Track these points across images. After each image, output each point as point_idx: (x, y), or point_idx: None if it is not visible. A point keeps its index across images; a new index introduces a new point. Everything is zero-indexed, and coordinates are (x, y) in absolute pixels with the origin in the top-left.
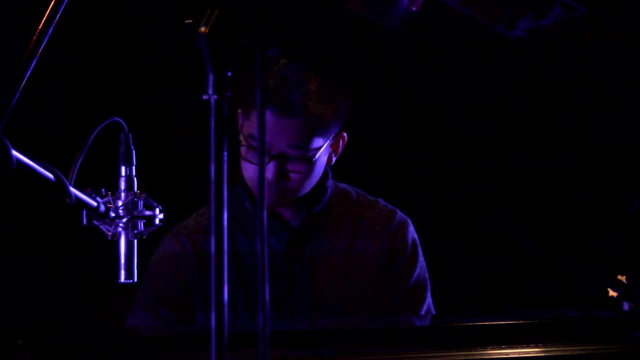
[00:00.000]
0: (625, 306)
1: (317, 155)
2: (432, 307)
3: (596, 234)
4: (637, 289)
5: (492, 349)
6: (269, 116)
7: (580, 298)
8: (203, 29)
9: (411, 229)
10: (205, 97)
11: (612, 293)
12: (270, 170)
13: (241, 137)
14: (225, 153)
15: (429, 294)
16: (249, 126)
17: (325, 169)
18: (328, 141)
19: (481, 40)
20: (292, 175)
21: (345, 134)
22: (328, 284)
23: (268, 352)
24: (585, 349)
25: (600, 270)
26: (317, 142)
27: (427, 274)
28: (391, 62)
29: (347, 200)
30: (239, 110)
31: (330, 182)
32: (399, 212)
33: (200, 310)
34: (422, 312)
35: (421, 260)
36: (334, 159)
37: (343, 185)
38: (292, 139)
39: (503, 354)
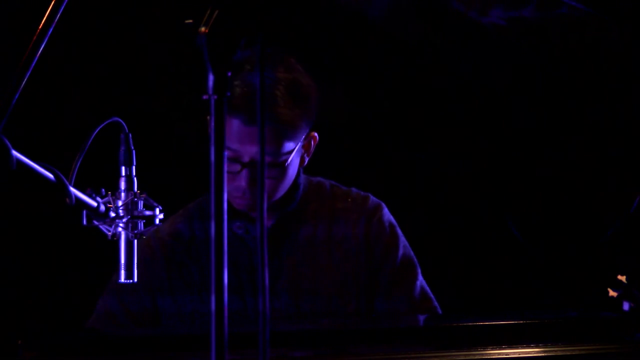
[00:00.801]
0: (625, 306)
1: (289, 160)
2: (427, 289)
3: (602, 228)
4: (637, 289)
5: (492, 349)
6: (237, 124)
7: (580, 298)
8: (203, 29)
9: (386, 211)
10: (205, 97)
11: (612, 293)
12: (242, 178)
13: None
14: (226, 153)
15: (419, 274)
16: None
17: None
18: (299, 143)
19: (459, 27)
20: (265, 181)
21: (316, 134)
22: (309, 280)
23: (268, 352)
24: (585, 349)
25: (600, 270)
26: (288, 146)
27: (412, 253)
28: (374, 49)
29: (321, 193)
30: (208, 117)
31: (302, 179)
32: (371, 197)
33: (168, 317)
34: (417, 293)
35: (402, 240)
36: (306, 160)
37: (317, 179)
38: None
39: (503, 354)
